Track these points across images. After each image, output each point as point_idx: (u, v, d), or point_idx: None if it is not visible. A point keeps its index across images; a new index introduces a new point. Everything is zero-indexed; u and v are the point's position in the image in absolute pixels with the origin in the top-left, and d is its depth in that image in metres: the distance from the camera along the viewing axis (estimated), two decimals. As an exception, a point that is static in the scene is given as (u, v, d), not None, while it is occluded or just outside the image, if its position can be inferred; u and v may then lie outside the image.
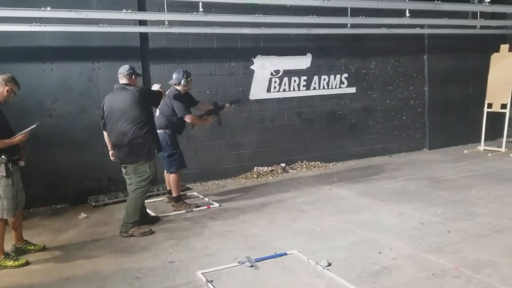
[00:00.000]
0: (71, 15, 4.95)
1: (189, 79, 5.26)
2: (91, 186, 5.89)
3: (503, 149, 7.83)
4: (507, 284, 3.15)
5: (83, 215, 5.24)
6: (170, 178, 5.35)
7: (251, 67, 6.94)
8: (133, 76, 4.60)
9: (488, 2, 5.63)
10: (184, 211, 5.24)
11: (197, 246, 4.19)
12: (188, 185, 6.43)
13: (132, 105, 4.42)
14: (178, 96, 5.21)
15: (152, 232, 4.56)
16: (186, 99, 5.34)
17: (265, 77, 7.06)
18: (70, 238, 4.59)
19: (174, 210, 5.28)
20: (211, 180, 6.70)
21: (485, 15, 7.67)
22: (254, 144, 7.04)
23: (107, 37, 5.80)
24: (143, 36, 6.15)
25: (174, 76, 5.29)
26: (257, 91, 7.02)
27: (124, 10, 5.24)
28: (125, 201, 4.87)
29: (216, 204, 5.48)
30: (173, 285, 3.43)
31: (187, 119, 5.22)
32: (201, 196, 5.90)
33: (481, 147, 8.14)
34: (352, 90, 7.77)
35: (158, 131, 5.00)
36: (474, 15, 7.74)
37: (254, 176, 6.81)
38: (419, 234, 4.21)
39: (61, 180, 5.71)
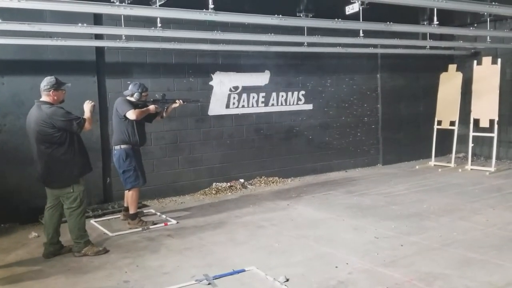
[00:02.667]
0: (23, 27, 4.78)
1: (143, 93, 5.19)
2: (42, 204, 5.64)
3: (452, 165, 8.19)
4: (457, 295, 3.27)
5: (33, 234, 5.02)
6: (127, 195, 5.26)
7: (210, 83, 6.95)
8: (51, 92, 4.15)
9: (437, 24, 5.93)
10: (140, 228, 5.12)
11: (153, 264, 4.09)
12: (145, 202, 6.30)
13: (43, 127, 4.05)
14: (123, 100, 5.14)
15: (106, 251, 4.42)
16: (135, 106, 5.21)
17: (224, 93, 7.09)
18: (19, 258, 4.37)
19: (130, 228, 5.14)
20: (169, 196, 6.60)
21: (434, 36, 8.08)
22: (212, 160, 7.02)
23: (62, 50, 5.66)
24: (99, 50, 6.04)
25: (129, 87, 5.23)
26: (216, 107, 7.03)
27: (80, 24, 5.13)
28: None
29: (173, 221, 5.39)
30: (127, 306, 3.33)
31: (129, 115, 5.00)
32: (158, 213, 5.79)
33: (432, 162, 8.48)
34: (309, 107, 7.93)
35: (115, 147, 5.06)
36: (424, 36, 8.13)
37: (213, 192, 6.77)
38: (374, 248, 4.31)
39: (10, 197, 5.45)
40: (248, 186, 7.16)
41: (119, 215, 5.65)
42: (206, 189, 6.85)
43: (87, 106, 4.40)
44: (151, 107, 5.25)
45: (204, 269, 3.89)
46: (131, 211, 5.20)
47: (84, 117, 4.29)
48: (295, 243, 4.54)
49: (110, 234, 4.98)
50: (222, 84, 7.05)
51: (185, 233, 4.97)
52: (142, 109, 5.14)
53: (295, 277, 3.67)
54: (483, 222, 4.98)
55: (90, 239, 4.44)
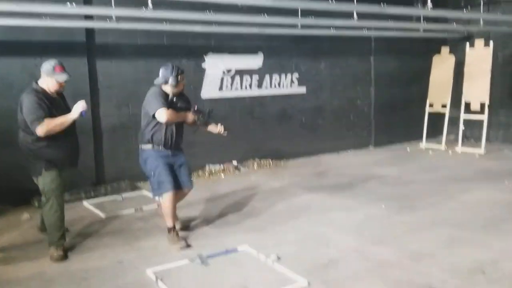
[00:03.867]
0: (11, 7, 4.71)
1: (180, 77, 4.02)
2: (34, 186, 5.64)
3: (443, 147, 8.27)
4: (445, 273, 3.34)
5: (26, 215, 5.03)
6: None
7: (203, 65, 6.92)
8: (46, 76, 3.77)
9: (431, 7, 5.91)
10: (178, 245, 4.00)
11: (147, 245, 4.13)
12: (138, 184, 6.32)
13: (21, 108, 3.74)
14: (154, 94, 4.00)
15: (66, 258, 3.86)
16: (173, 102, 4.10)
17: (217, 75, 7.07)
18: (12, 239, 4.39)
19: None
20: (162, 178, 6.61)
21: (428, 19, 8.06)
22: (206, 143, 7.02)
23: (51, 31, 5.58)
24: (90, 31, 5.97)
25: (160, 72, 4.05)
26: (209, 89, 7.01)
27: (69, 4, 5.06)
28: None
29: (166, 203, 5.42)
30: (121, 284, 3.37)
31: (160, 115, 3.87)
32: (151, 195, 5.81)
33: (423, 144, 8.55)
34: (303, 90, 7.93)
35: (140, 146, 4.12)
36: (417, 19, 8.11)
37: (206, 174, 6.80)
38: (365, 228, 4.38)
39: (2, 179, 5.44)
40: (242, 168, 7.20)
41: (112, 197, 5.65)
42: (200, 171, 6.87)
43: (78, 106, 3.76)
44: (190, 115, 4.15)
45: (197, 249, 3.94)
46: (167, 223, 4.11)
47: (69, 117, 3.75)
48: (287, 223, 4.60)
49: (102, 215, 5.01)
50: (215, 66, 7.02)
51: (178, 214, 5.00)
52: (179, 113, 4.06)
53: (287, 256, 3.73)
54: (471, 203, 5.07)
55: (60, 242, 3.90)
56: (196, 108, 4.21)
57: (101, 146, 6.15)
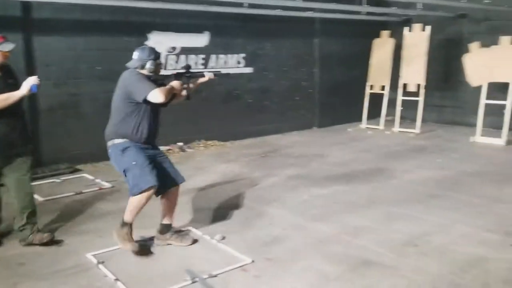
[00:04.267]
0: None
1: (158, 61, 3.51)
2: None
3: (381, 127, 8.64)
4: (381, 247, 3.54)
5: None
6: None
7: (146, 43, 6.72)
8: None
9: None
10: (130, 248, 3.45)
11: (88, 228, 4.04)
12: (78, 166, 6.12)
13: None
14: (138, 75, 3.41)
15: (0, 244, 3.69)
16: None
17: (162, 54, 6.91)
18: None
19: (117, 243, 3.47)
20: (103, 160, 6.41)
21: (369, 2, 8.29)
22: (150, 123, 6.89)
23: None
24: (26, 5, 5.61)
25: (135, 54, 3.48)
26: (153, 68, 6.84)
27: (1, -25, 4.74)
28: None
29: (108, 185, 5.31)
30: (61, 269, 3.29)
31: (155, 96, 3.27)
32: (93, 178, 5.66)
33: (363, 125, 8.89)
34: (249, 70, 7.95)
35: (109, 143, 3.47)
36: (360, 2, 8.32)
37: (151, 155, 6.69)
38: (308, 206, 4.53)
39: None
40: (187, 149, 7.15)
41: (51, 180, 5.45)
42: (144, 153, 6.75)
43: (29, 81, 3.39)
44: (175, 83, 3.55)
45: (141, 231, 3.88)
46: (126, 216, 3.47)
47: (16, 93, 3.39)
48: (233, 203, 4.65)
49: (40, 199, 4.81)
50: (159, 44, 6.82)
51: (121, 196, 4.89)
52: (167, 87, 3.46)
53: (232, 235, 3.79)
54: (406, 180, 5.37)
55: None
56: (176, 72, 3.70)
57: (38, 127, 5.87)
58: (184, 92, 3.67)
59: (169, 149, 6.93)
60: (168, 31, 6.91)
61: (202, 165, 6.23)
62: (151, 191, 3.38)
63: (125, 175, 3.42)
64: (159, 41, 6.83)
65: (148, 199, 3.40)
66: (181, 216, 4.26)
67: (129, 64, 3.49)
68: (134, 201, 3.39)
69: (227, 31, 7.55)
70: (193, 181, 5.43)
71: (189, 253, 3.50)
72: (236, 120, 7.89)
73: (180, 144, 7.16)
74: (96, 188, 5.20)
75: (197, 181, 5.45)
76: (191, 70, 3.71)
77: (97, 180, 5.53)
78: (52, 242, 3.66)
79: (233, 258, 3.38)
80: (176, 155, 6.83)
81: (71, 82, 6.03)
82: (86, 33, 6.16)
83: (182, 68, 3.67)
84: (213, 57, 7.47)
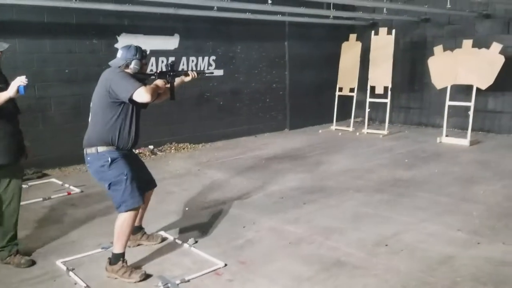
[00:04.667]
0: None
1: (144, 61, 3.35)
2: None
3: (351, 129, 8.80)
4: (350, 246, 3.61)
5: None
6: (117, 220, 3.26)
7: (116, 45, 6.62)
8: None
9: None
10: (127, 280, 3.13)
11: (56, 234, 3.95)
12: (46, 171, 5.97)
13: None
14: (122, 74, 3.19)
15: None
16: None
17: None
18: None
19: (108, 277, 3.19)
20: (72, 165, 6.30)
21: (337, 7, 8.42)
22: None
23: None
24: (-13, 7, 5.46)
25: (119, 53, 3.32)
26: (122, 71, 6.75)
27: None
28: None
29: (77, 190, 5.20)
30: (29, 277, 3.20)
31: (141, 95, 3.06)
32: (61, 183, 5.53)
33: (333, 127, 9.03)
34: (220, 72, 7.95)
35: (88, 151, 3.24)
36: (328, 6, 8.45)
37: (121, 159, 6.59)
38: (280, 207, 4.56)
39: None
40: (158, 152, 7.08)
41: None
42: (114, 157, 6.64)
43: (16, 82, 3.16)
44: (159, 82, 3.36)
45: (110, 237, 3.77)
46: (116, 248, 3.22)
47: (3, 95, 3.17)
48: (205, 207, 4.65)
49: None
50: (128, 47, 6.75)
51: (90, 202, 4.83)
52: (152, 86, 3.23)
53: (205, 239, 3.79)
54: (375, 180, 5.48)
55: None
56: (160, 71, 3.55)
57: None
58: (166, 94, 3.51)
59: (140, 153, 6.84)
60: (138, 34, 6.83)
61: (173, 169, 6.19)
62: (138, 211, 3.27)
63: (109, 188, 3.19)
64: (128, 43, 6.70)
65: (135, 219, 3.25)
66: (153, 221, 4.23)
67: (112, 63, 3.32)
68: (123, 228, 3.17)
69: (197, 33, 7.53)
70: (164, 184, 5.38)
71: (161, 258, 3.47)
72: (208, 123, 7.88)
73: (151, 147, 7.09)
74: (65, 193, 5.08)
75: (168, 184, 5.41)
76: (175, 69, 3.55)
77: (66, 185, 5.41)
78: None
79: (206, 262, 3.38)
80: (147, 158, 6.76)
81: (38, 86, 5.89)
82: (53, 35, 6.03)
83: (166, 66, 3.54)
84: (183, 59, 7.43)
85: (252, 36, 8.27)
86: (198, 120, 7.75)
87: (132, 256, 3.43)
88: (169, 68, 3.49)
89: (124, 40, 6.69)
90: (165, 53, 7.19)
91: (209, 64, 7.79)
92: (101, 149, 3.18)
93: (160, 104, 3.76)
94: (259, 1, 6.40)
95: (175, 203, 4.79)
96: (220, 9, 6.86)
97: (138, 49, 3.32)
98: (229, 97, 8.14)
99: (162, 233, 3.91)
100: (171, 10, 6.64)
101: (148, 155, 6.88)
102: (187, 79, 3.57)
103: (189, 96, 7.55)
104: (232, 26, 7.86)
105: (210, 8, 6.79)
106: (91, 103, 3.29)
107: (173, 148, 7.31)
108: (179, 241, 3.74)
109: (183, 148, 7.38)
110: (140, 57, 3.29)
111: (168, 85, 3.44)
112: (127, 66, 3.27)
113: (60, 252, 3.57)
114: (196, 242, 3.71)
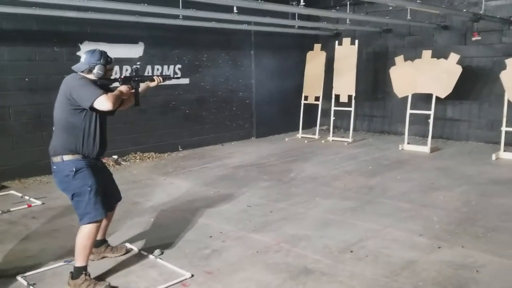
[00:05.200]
0: None
1: (108, 66, 3.24)
2: None
3: (316, 136, 8.94)
4: (317, 254, 3.65)
5: None
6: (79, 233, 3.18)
7: (78, 53, 6.48)
8: None
9: (303, 5, 6.32)
10: None
11: (16, 248, 3.80)
12: (5, 183, 5.74)
13: None
14: (83, 80, 3.10)
15: None
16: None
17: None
18: None
19: None
20: (33, 176, 6.09)
21: (302, 17, 8.58)
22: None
23: None
24: None
25: (83, 57, 3.21)
26: (85, 79, 6.61)
27: None
28: None
29: (38, 202, 5.03)
30: (-14, 295, 3.07)
31: (102, 103, 2.98)
32: (20, 195, 5.34)
33: (299, 135, 9.14)
34: (186, 81, 7.91)
35: (54, 159, 3.15)
36: (293, 16, 8.59)
37: (84, 169, 6.42)
38: (247, 216, 4.56)
39: None
40: (122, 162, 6.95)
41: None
42: (76, 167, 6.47)
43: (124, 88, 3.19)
44: (123, 88, 3.28)
45: (73, 250, 3.72)
46: (78, 262, 3.15)
47: None
48: (171, 217, 4.59)
49: (-39, 220, 4.47)
50: (91, 55, 6.62)
51: (52, 214, 4.68)
52: (115, 93, 3.15)
53: (171, 250, 3.74)
54: (341, 187, 5.58)
55: None
56: (123, 77, 3.42)
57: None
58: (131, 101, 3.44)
59: (104, 162, 6.68)
60: (101, 42, 6.71)
61: (138, 178, 6.09)
62: (100, 223, 3.21)
63: (72, 199, 3.13)
64: (91, 51, 6.60)
65: (97, 232, 3.19)
66: (117, 232, 4.14)
67: (75, 67, 3.21)
68: (84, 240, 3.11)
69: (163, 42, 7.48)
70: (129, 195, 5.28)
71: (126, 270, 3.40)
72: (173, 132, 7.82)
73: (115, 157, 6.95)
74: (25, 206, 4.90)
75: (133, 195, 5.31)
76: (139, 72, 3.50)
77: (26, 197, 5.22)
78: None
79: (172, 274, 3.33)
80: (111, 168, 6.61)
81: (-5, 94, 5.69)
82: (11, 42, 5.84)
83: (131, 72, 3.40)
84: (148, 67, 7.36)
85: (218, 45, 8.29)
86: (164, 129, 7.67)
87: (96, 269, 3.34)
88: (134, 73, 3.44)
89: (86, 48, 6.54)
90: (130, 62, 7.09)
91: (175, 73, 7.74)
92: (66, 157, 3.11)
93: (124, 112, 3.71)
94: (225, 10, 6.42)
95: (140, 213, 4.70)
96: (185, 17, 6.84)
97: (102, 53, 3.22)
98: (195, 105, 8.11)
99: (127, 244, 3.83)
100: (133, 18, 6.57)
101: (112, 164, 6.74)
102: (153, 84, 3.51)
103: (154, 105, 7.48)
104: (198, 34, 7.86)
105: (176, 17, 6.76)
106: (54, 111, 3.19)
107: (138, 157, 7.20)
108: (144, 253, 3.67)
109: (148, 158, 7.28)
110: (104, 62, 3.20)
111: (133, 91, 3.37)
112: (90, 71, 3.17)
113: (20, 267, 3.43)
114: (162, 253, 3.66)
